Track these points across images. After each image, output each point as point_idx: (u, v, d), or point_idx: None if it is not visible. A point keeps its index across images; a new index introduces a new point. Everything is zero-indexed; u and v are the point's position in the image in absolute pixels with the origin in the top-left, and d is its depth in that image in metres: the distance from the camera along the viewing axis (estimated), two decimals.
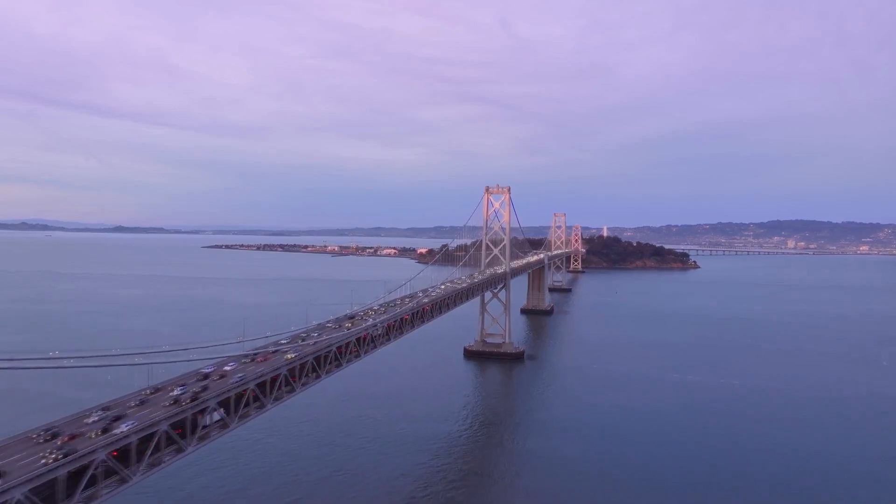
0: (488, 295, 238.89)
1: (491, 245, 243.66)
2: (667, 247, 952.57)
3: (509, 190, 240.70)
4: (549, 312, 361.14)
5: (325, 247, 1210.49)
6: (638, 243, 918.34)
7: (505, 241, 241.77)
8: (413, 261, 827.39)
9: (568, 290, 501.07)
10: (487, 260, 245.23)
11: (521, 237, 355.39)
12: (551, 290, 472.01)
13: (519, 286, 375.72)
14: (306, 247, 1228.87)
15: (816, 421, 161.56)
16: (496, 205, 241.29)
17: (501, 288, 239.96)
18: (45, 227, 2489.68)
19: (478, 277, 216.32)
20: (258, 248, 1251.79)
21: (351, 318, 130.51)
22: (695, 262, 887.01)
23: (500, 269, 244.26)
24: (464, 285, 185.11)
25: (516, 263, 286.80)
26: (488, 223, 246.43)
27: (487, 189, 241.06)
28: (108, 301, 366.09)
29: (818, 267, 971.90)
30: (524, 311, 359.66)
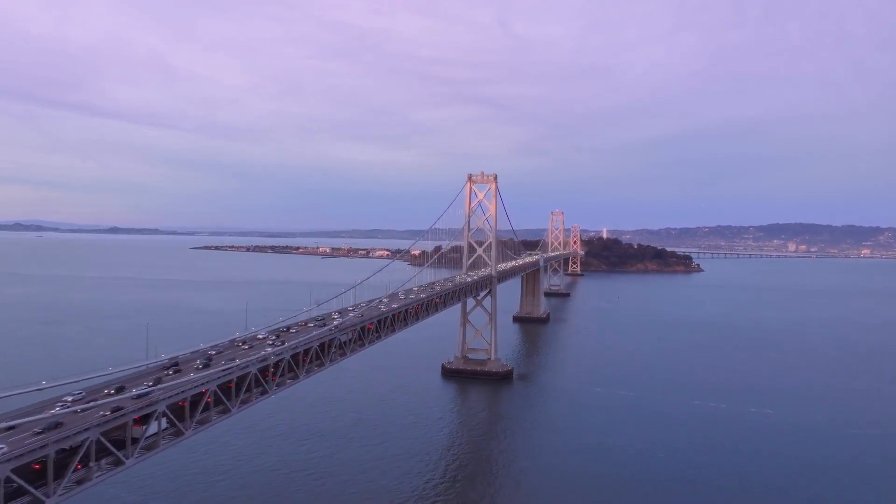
0: (471, 302, 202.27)
1: (475, 244, 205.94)
2: (667, 249, 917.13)
3: (496, 178, 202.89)
4: (544, 320, 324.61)
5: (317, 248, 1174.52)
6: (639, 245, 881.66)
7: (490, 240, 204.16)
8: (405, 262, 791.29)
9: (566, 295, 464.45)
10: (470, 261, 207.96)
11: (514, 237, 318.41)
12: (548, 294, 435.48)
13: (512, 291, 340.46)
14: (297, 248, 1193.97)
15: (882, 472, 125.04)
16: (480, 196, 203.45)
17: (487, 294, 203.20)
18: (39, 228, 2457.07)
19: (437, 286, 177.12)
20: (247, 249, 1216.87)
21: (171, 366, 78.19)
22: (698, 265, 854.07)
23: (480, 273, 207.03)
24: (397, 303, 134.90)
25: (505, 265, 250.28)
26: (472, 220, 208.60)
27: (470, 177, 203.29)
28: (53, 306, 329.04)
29: (824, 271, 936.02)
30: (517, 319, 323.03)
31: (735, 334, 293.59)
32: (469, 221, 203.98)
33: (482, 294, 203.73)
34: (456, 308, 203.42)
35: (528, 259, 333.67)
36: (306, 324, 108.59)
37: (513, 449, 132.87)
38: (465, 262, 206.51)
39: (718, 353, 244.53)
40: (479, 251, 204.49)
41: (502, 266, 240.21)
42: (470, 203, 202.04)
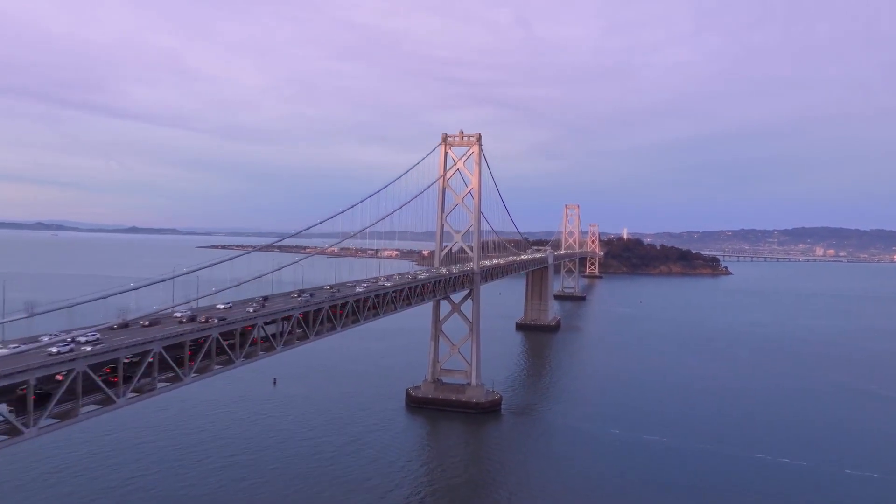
0: (446, 307, 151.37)
1: (450, 227, 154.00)
2: (692, 251, 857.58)
3: (479, 139, 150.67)
4: (553, 328, 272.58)
5: (325, 248, 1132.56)
6: (662, 246, 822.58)
7: (473, 223, 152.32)
8: (414, 262, 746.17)
9: (582, 298, 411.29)
10: (444, 252, 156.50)
11: (517, 232, 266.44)
12: (561, 297, 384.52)
13: (516, 293, 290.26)
14: (305, 248, 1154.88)
15: None
16: (459, 163, 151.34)
17: (467, 297, 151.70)
18: (60, 228, 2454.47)
19: (380, 281, 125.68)
20: (252, 248, 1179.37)
21: None
22: (725, 267, 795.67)
23: (453, 269, 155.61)
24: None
25: (497, 261, 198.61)
26: (454, 205, 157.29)
27: (445, 138, 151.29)
28: None
29: (860, 276, 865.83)
30: (521, 327, 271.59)
31: (790, 349, 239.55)
32: (444, 195, 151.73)
33: (461, 296, 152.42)
34: (426, 313, 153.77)
35: (531, 255, 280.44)
36: None
37: None
38: (438, 254, 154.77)
39: (776, 376, 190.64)
40: (457, 238, 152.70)
41: (494, 261, 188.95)
42: (445, 172, 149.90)
